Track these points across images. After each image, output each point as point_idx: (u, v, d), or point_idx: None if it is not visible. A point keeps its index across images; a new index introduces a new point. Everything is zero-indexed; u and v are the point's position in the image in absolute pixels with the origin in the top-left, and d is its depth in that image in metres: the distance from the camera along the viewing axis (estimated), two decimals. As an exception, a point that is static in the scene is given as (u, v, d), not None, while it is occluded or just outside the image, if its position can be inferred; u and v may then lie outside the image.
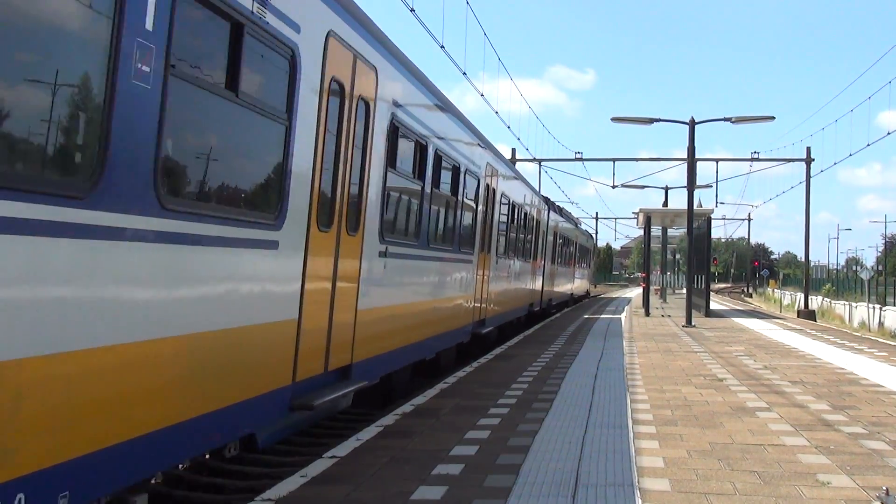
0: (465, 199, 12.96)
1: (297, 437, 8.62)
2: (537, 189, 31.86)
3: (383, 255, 8.49)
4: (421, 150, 10.15)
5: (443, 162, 11.28)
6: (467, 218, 13.38)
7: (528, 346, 16.14)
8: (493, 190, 15.73)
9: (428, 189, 10.40)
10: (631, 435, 7.48)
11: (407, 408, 8.84)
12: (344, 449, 6.82)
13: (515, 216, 19.27)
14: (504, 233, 17.44)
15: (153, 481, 6.00)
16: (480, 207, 14.30)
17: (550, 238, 27.48)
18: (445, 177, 11.70)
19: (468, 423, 7.92)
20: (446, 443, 7.06)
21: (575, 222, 40.08)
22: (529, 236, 22.26)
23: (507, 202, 17.70)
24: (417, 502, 5.33)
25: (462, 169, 12.54)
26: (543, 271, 25.69)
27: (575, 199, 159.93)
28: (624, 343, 17.04)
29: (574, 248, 37.58)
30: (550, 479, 5.92)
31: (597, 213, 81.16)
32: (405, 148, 9.47)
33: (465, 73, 22.54)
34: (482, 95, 25.22)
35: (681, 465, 6.40)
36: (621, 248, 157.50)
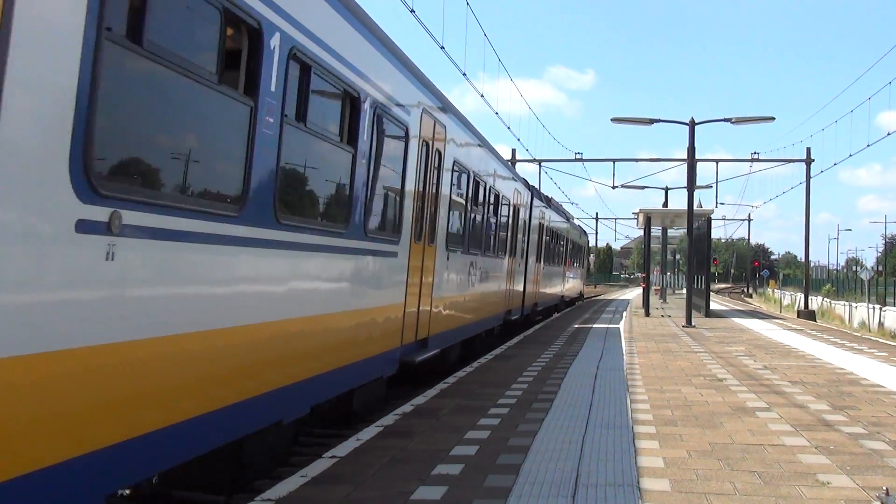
0: (376, 155, 8.21)
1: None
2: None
3: (106, 230, 4.07)
4: (251, 35, 5.58)
5: (312, 77, 6.56)
6: (387, 186, 8.90)
7: (527, 347, 16.15)
8: (440, 154, 11.04)
9: (262, 112, 5.67)
10: (631, 435, 7.48)
11: (407, 408, 8.83)
12: (344, 449, 6.82)
13: (482, 197, 14.81)
14: (462, 217, 13.10)
15: (153, 480, 5.99)
16: (412, 174, 9.69)
17: (535, 231, 23.60)
18: (319, 107, 6.99)
19: (468, 424, 7.92)
20: (446, 443, 7.06)
21: (566, 215, 35.75)
22: (505, 228, 17.95)
23: (465, 176, 13.04)
24: (417, 502, 5.33)
25: (366, 102, 7.75)
26: (526, 271, 21.87)
27: (575, 199, 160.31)
28: (624, 343, 17.04)
29: (565, 244, 33.04)
30: (550, 479, 5.92)
31: (597, 214, 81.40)
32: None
33: (465, 74, 22.61)
34: (482, 96, 25.27)
35: (681, 465, 6.40)
36: (621, 248, 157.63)
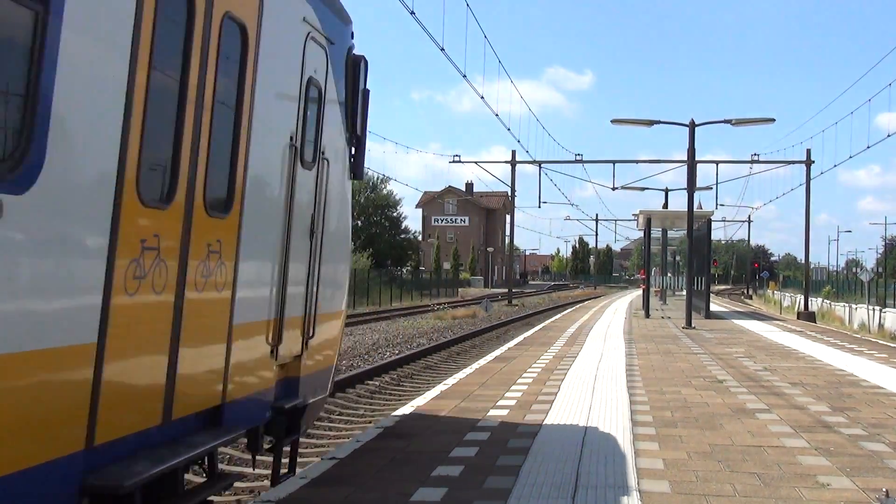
0: None
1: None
2: None
3: None
4: None
5: None
6: None
7: (527, 349, 16.14)
8: None
9: None
10: (630, 436, 7.48)
11: (407, 409, 8.84)
12: (344, 450, 6.82)
13: None
14: None
15: None
16: None
17: None
18: None
19: (468, 425, 7.91)
20: (446, 444, 7.06)
21: None
22: None
23: None
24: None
25: None
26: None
27: (575, 200, 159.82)
28: (623, 344, 17.04)
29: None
30: (550, 480, 5.92)
31: (597, 215, 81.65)
32: None
33: (465, 76, 22.62)
34: (482, 98, 25.28)
35: (681, 466, 6.40)
36: (621, 249, 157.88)
